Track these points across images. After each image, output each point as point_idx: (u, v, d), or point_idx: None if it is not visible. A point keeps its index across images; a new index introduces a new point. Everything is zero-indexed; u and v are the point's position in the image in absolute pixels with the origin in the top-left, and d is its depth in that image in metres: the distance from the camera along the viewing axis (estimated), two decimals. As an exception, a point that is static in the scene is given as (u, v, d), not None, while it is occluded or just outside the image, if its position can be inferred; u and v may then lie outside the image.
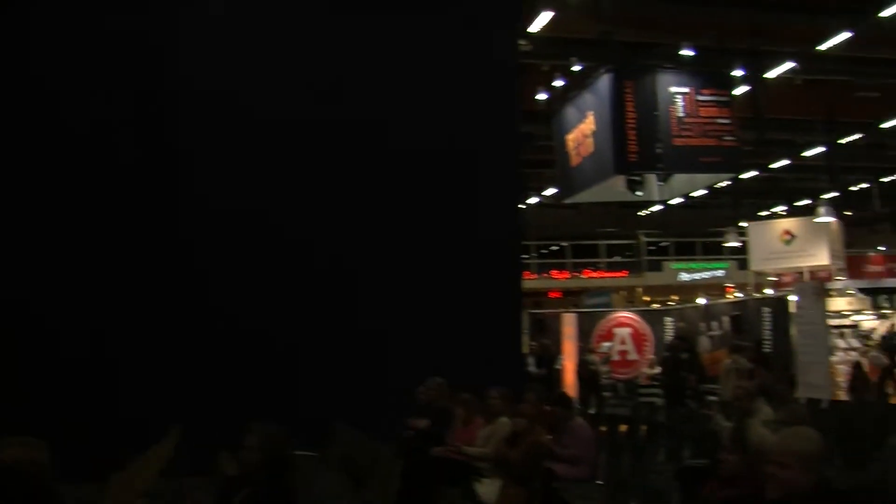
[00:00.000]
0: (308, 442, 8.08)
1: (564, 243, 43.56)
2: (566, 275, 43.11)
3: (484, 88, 13.77)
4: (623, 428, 13.31)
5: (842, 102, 27.50)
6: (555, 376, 23.23)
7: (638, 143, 17.87)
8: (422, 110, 13.30)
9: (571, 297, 40.27)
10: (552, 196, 32.33)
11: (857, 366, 17.41)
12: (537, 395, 10.49)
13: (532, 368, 20.59)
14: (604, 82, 18.85)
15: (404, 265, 12.98)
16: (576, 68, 21.34)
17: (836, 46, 20.17)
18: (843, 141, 30.25)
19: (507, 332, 14.10)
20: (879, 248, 43.88)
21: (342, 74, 13.09)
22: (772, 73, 22.60)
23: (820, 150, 30.70)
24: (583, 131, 20.24)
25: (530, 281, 35.91)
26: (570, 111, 21.44)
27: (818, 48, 20.56)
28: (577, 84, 21.26)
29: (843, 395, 19.21)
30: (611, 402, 23.94)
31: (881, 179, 38.21)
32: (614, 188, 19.46)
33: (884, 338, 28.28)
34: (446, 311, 12.95)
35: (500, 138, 14.07)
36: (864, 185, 38.65)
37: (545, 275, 42.34)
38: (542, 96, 23.47)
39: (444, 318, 12.89)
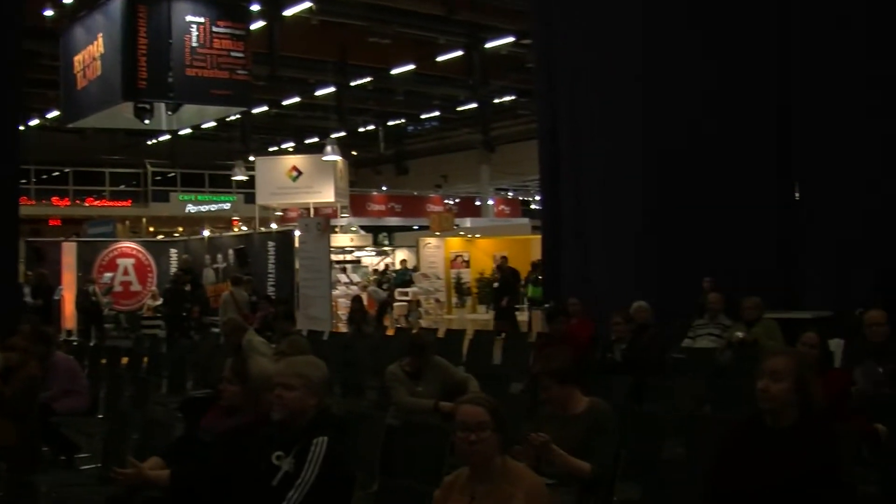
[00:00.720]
0: None
1: (67, 169, 41.79)
2: (67, 202, 41.48)
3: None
4: (125, 360, 13.01)
5: (355, 46, 28.48)
6: (53, 307, 22.32)
7: (148, 70, 17.33)
8: None
9: (73, 226, 38.70)
10: (55, 119, 30.76)
11: (356, 299, 18.21)
12: (33, 326, 10.01)
13: (28, 299, 19.58)
14: (116, 4, 18.05)
15: None
16: (88, -13, 20.37)
17: (353, -9, 20.78)
18: (354, 83, 31.34)
19: (2, 261, 13.32)
20: (382, 188, 46.18)
21: None
22: (288, 11, 22.88)
23: (330, 90, 31.62)
24: (91, 53, 19.31)
25: (28, 207, 34.09)
26: (78, 31, 20.36)
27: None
28: (88, 3, 20.28)
29: (343, 328, 19.99)
30: (112, 333, 23.42)
31: (388, 123, 40.09)
32: (122, 115, 18.80)
33: (383, 273, 29.86)
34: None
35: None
36: (371, 128, 40.36)
37: (45, 201, 40.51)
38: (49, 13, 22.21)
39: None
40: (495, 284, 24.02)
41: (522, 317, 24.23)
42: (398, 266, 31.32)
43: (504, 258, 25.59)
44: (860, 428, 6.31)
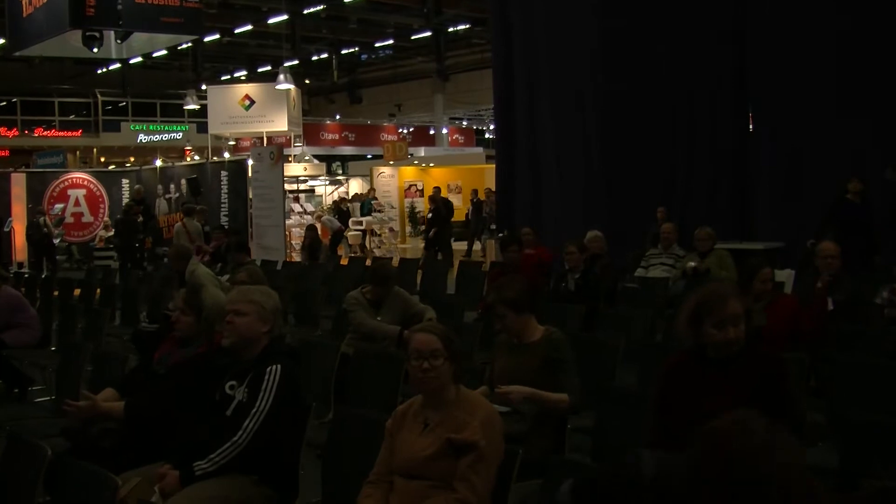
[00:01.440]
0: None
1: (14, 98, 41.10)
2: (15, 132, 40.86)
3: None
4: (77, 292, 12.93)
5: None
6: (3, 239, 22.11)
7: (97, -3, 17.05)
8: None
9: (22, 156, 38.23)
10: (1, 47, 30.16)
11: (310, 228, 18.18)
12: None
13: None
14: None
15: None
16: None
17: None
18: (307, 11, 30.90)
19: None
20: (336, 117, 45.85)
21: None
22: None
23: (283, 18, 31.17)
24: (37, -21, 18.95)
25: (-25, 138, 33.75)
26: (23, -44, 19.96)
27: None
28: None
29: (297, 257, 19.98)
30: (64, 265, 23.27)
31: (341, 52, 39.65)
32: (70, 43, 18.49)
33: (336, 202, 29.79)
34: None
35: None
36: (324, 56, 39.91)
37: (-8, 132, 39.97)
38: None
39: None
40: (428, 216, 23.97)
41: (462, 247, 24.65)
42: (360, 192, 31.25)
43: (437, 189, 25.55)
44: (814, 325, 6.51)
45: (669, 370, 4.41)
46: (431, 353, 4.01)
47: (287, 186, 24.27)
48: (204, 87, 34.56)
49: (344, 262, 17.37)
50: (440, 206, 23.27)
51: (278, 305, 4.85)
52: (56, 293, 12.44)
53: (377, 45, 39.16)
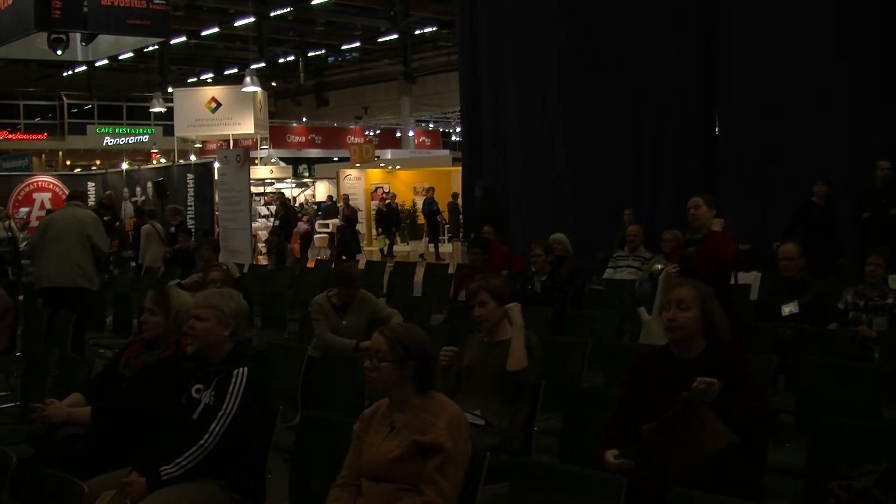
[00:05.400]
0: None
1: (-22, 102, 40.83)
2: (-21, 135, 40.59)
3: None
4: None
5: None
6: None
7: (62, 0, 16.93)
8: None
9: (-14, 159, 37.96)
10: (-36, 49, 29.95)
11: (273, 233, 18.16)
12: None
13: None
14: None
15: None
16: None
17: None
18: (274, 13, 30.83)
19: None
20: (303, 119, 45.78)
21: None
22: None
23: (250, 20, 31.10)
24: (0, -19, 18.79)
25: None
26: (-14, -43, 19.79)
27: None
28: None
29: (263, 260, 19.91)
30: (30, 269, 23.05)
31: (308, 54, 39.61)
32: (35, 45, 18.37)
33: (302, 205, 29.69)
34: None
35: None
36: (291, 59, 39.87)
37: (-43, 134, 39.63)
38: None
39: None
40: (276, 223, 23.72)
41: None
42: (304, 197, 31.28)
43: (281, 193, 25.46)
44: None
45: (636, 370, 4.45)
46: (375, 353, 4.03)
47: (253, 189, 24.19)
48: (170, 89, 34.40)
49: (310, 264, 17.35)
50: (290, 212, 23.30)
51: (241, 308, 4.82)
52: (21, 298, 12.32)
53: (344, 47, 39.16)
